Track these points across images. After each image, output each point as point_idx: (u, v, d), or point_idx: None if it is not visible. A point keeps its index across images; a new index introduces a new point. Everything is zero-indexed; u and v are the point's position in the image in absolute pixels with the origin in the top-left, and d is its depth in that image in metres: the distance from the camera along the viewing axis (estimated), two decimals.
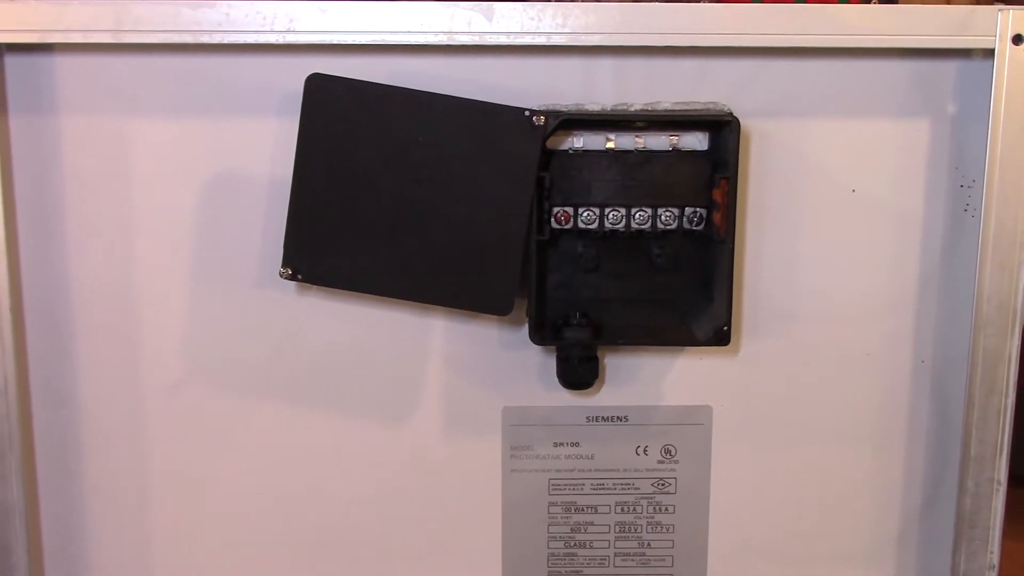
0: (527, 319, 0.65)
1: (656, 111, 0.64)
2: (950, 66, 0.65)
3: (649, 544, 0.72)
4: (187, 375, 0.68)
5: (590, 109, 0.64)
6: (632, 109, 0.64)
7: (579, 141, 0.64)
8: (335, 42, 0.61)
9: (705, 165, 0.64)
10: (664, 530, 0.72)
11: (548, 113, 0.61)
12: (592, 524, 0.72)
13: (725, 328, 0.64)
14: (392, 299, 0.65)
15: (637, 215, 0.64)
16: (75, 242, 0.66)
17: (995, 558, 0.68)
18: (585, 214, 0.64)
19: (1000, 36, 0.62)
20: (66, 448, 0.69)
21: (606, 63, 0.64)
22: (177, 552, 0.71)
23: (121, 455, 0.69)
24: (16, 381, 0.65)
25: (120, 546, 0.71)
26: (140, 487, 0.70)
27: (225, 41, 0.61)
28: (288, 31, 0.61)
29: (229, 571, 0.71)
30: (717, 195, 0.63)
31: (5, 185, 0.63)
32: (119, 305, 0.67)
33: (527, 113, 0.61)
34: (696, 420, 0.70)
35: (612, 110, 0.64)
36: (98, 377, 0.68)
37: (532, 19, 0.61)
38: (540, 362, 0.69)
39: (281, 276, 0.62)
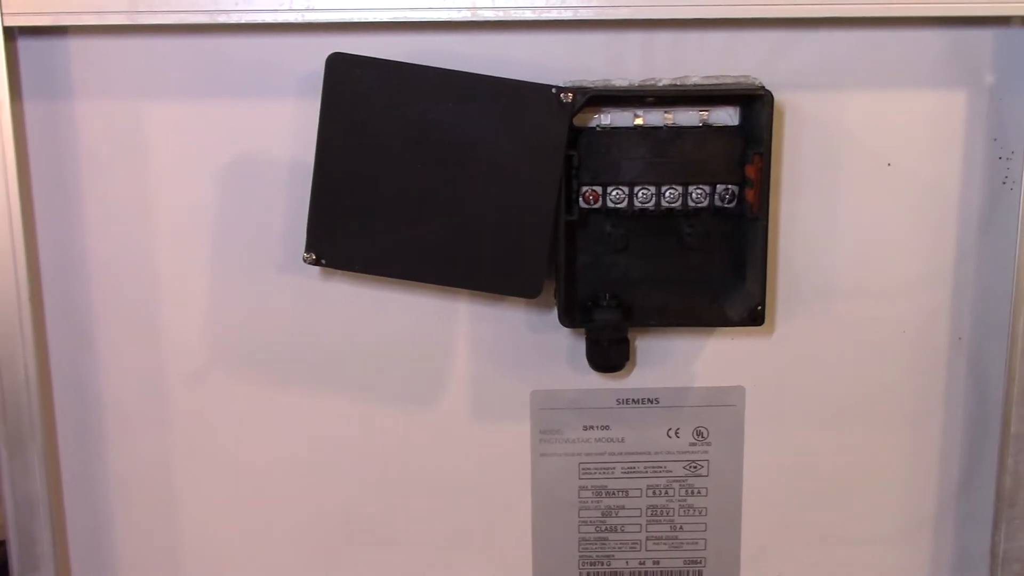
0: (555, 301, 0.64)
1: (685, 86, 0.63)
2: (988, 34, 0.63)
3: (681, 527, 0.71)
4: (210, 362, 0.67)
5: (618, 85, 0.63)
6: (661, 84, 0.63)
7: (607, 118, 0.63)
8: (356, 20, 0.60)
9: (736, 141, 0.63)
10: (697, 513, 0.71)
11: (576, 90, 0.60)
12: (623, 508, 0.70)
13: (759, 308, 0.62)
14: (418, 283, 0.64)
15: (667, 193, 0.63)
16: (93, 229, 0.65)
17: None
18: (614, 193, 0.63)
19: None
20: (89, 438, 0.68)
21: (633, 37, 0.63)
22: (202, 539, 0.70)
23: (144, 444, 0.68)
24: (37, 371, 0.64)
25: (145, 535, 0.70)
26: (164, 475, 0.69)
27: (243, 21, 0.60)
28: (307, 9, 0.59)
29: (255, 558, 0.71)
30: (750, 171, 0.62)
31: (21, 172, 0.62)
32: (139, 293, 0.66)
33: (554, 90, 0.59)
34: (728, 401, 0.69)
35: (640, 86, 0.63)
36: (119, 366, 0.67)
37: None
38: (569, 345, 0.68)
39: (304, 261, 0.61)
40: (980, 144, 0.65)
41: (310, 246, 0.61)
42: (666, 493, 0.70)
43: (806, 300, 0.67)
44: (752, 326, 0.63)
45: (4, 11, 0.59)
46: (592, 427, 0.69)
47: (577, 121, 0.61)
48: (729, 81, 0.63)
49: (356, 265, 0.62)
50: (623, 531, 0.71)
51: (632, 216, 0.64)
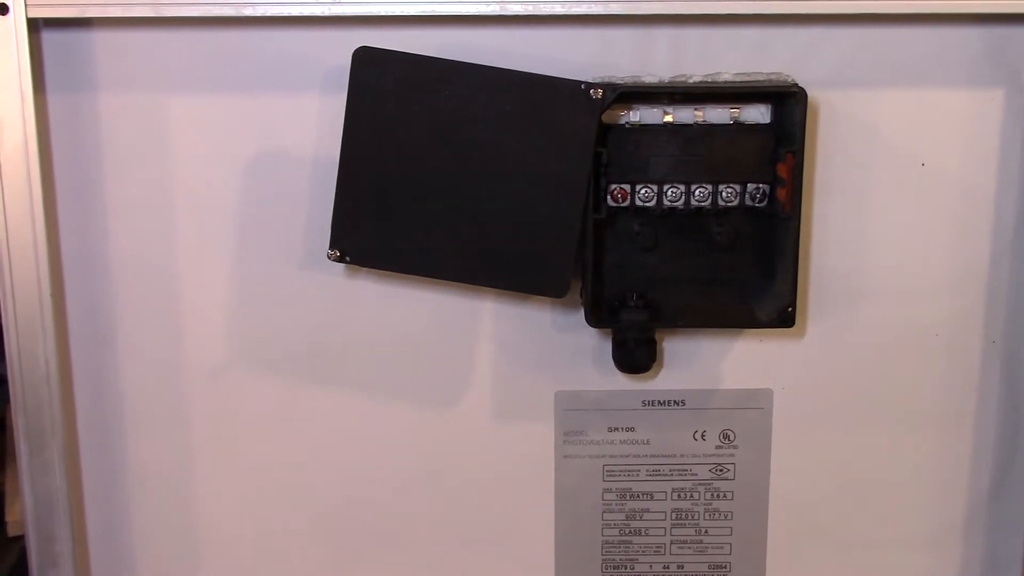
0: (581, 301, 0.63)
1: (717, 83, 0.62)
2: None
3: (706, 531, 0.70)
4: (231, 359, 0.67)
5: (648, 81, 0.62)
6: (691, 81, 0.62)
7: (636, 115, 0.62)
8: (383, 14, 0.59)
9: (768, 139, 0.62)
10: (722, 517, 0.70)
11: (605, 86, 0.59)
12: (648, 511, 0.70)
13: (789, 309, 0.62)
14: (443, 281, 0.63)
15: (697, 192, 0.62)
16: (115, 224, 0.64)
17: None
18: (643, 191, 0.62)
19: None
20: (109, 434, 0.68)
21: (664, 33, 0.62)
22: (222, 536, 0.70)
23: (165, 441, 0.68)
24: (58, 367, 0.63)
25: (165, 532, 0.69)
26: (184, 472, 0.69)
27: (268, 14, 0.59)
28: (334, 3, 0.59)
29: (274, 556, 0.70)
30: (782, 170, 0.61)
31: (44, 165, 0.62)
32: (161, 288, 0.65)
33: (584, 86, 0.58)
34: (756, 404, 0.68)
35: (670, 82, 0.62)
36: (140, 362, 0.67)
37: None
38: (595, 345, 0.67)
39: (329, 258, 0.61)
40: (1017, 144, 0.64)
41: (334, 242, 0.61)
42: (691, 496, 0.69)
43: (837, 302, 0.66)
44: (782, 328, 0.62)
45: (28, 2, 0.58)
46: (617, 429, 0.68)
47: (606, 118, 0.60)
48: (761, 78, 0.62)
49: (380, 262, 0.61)
50: (647, 534, 0.70)
51: (661, 215, 0.63)
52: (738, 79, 0.62)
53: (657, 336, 0.65)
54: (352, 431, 0.68)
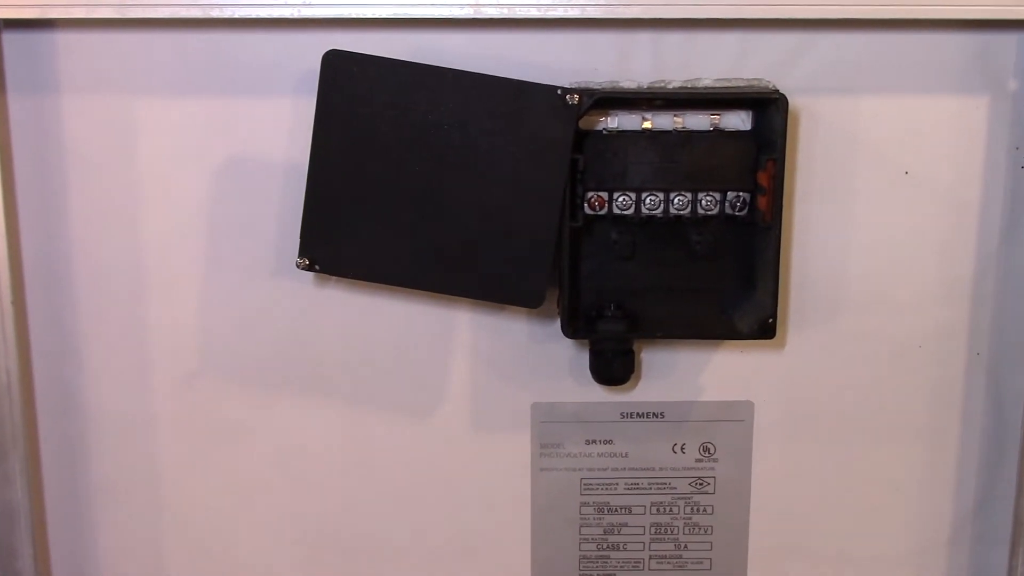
0: (558, 311, 0.62)
1: (696, 89, 0.61)
2: (1012, 39, 0.61)
3: (686, 546, 0.69)
4: (199, 369, 0.65)
5: (626, 87, 0.61)
6: (671, 87, 0.61)
7: (614, 121, 0.61)
8: (354, 16, 0.58)
9: (749, 146, 0.61)
10: (702, 531, 0.69)
11: (582, 91, 0.58)
12: (626, 525, 0.69)
13: (770, 320, 0.61)
14: (416, 291, 0.62)
15: (676, 200, 0.61)
16: (79, 230, 0.63)
17: None
18: (620, 199, 0.61)
19: None
20: (72, 446, 0.66)
21: (643, 37, 0.61)
22: (190, 551, 0.69)
23: (130, 453, 0.67)
24: (19, 376, 0.62)
25: (131, 547, 0.68)
26: (150, 486, 0.67)
27: (236, 16, 0.58)
28: (304, 5, 0.57)
29: (245, 571, 0.69)
30: (762, 178, 0.60)
31: (5, 170, 0.61)
32: (126, 296, 0.64)
33: (560, 91, 0.57)
34: (736, 416, 0.67)
35: (649, 88, 0.61)
36: (105, 371, 0.65)
37: None
38: (572, 356, 0.66)
39: (298, 266, 0.60)
40: (1002, 152, 0.63)
41: (303, 251, 0.59)
42: (670, 510, 0.68)
43: (819, 312, 0.65)
44: (763, 339, 0.61)
45: None
46: (595, 441, 0.67)
47: (583, 124, 0.59)
48: (742, 84, 0.61)
49: (351, 271, 0.60)
50: (625, 549, 0.69)
51: (639, 223, 0.62)
52: (718, 85, 0.61)
53: (635, 347, 0.64)
54: (323, 444, 0.67)
